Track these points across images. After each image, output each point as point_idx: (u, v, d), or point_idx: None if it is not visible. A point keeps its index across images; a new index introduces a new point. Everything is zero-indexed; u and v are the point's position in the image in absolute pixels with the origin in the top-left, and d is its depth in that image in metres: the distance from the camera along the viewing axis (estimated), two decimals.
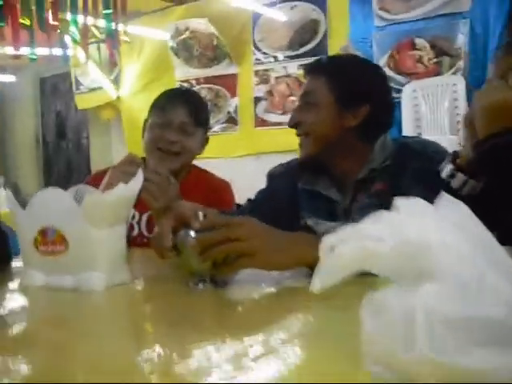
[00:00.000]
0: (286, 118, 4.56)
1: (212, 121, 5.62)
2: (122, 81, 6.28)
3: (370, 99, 1.55)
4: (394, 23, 4.69)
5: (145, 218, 2.13)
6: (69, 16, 4.65)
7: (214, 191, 2.17)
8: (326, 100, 1.55)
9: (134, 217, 2.16)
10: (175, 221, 1.18)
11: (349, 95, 1.54)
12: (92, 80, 6.44)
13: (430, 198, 1.18)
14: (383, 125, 1.61)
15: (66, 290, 1.07)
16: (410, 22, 4.63)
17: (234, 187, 4.90)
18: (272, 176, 1.78)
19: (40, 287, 1.09)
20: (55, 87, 7.67)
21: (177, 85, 5.88)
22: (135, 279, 1.13)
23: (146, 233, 2.15)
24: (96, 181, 2.19)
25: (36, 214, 1.09)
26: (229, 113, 5.58)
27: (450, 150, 3.98)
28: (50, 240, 1.08)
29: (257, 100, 5.38)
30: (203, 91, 5.72)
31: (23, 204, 1.12)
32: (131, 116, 6.11)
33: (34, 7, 4.12)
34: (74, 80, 6.77)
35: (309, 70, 1.65)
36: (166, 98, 2.10)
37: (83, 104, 6.74)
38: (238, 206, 2.47)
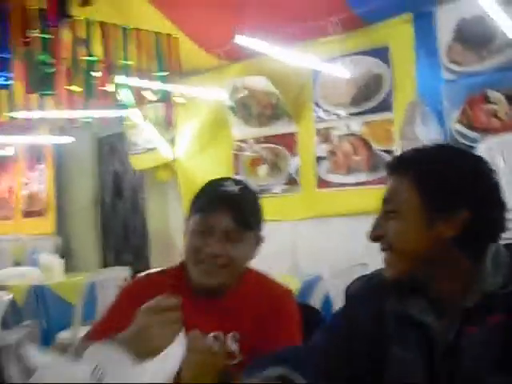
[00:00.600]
0: (350, 179, 4.39)
1: (272, 181, 5.36)
2: (178, 141, 6.09)
3: (471, 201, 1.23)
4: (465, 76, 4.35)
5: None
6: (122, 79, 4.53)
7: (276, 299, 1.86)
8: (411, 205, 1.25)
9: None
10: None
11: (442, 197, 1.23)
12: (148, 141, 6.28)
13: None
14: (491, 233, 1.26)
15: None
16: (482, 73, 4.28)
17: (297, 253, 4.65)
18: (352, 297, 1.45)
19: None
20: (113, 147, 7.58)
21: (235, 145, 5.65)
22: None
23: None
24: (142, 290, 1.93)
25: None
26: (289, 174, 5.30)
27: None
28: None
29: (319, 160, 5.09)
30: (262, 151, 5.48)
31: (28, 372, 0.84)
32: (188, 177, 5.90)
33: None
34: (129, 141, 6.62)
35: (391, 168, 1.34)
36: (205, 199, 1.81)
37: (139, 165, 6.59)
38: (306, 308, 2.16)
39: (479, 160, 1.31)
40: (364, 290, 1.41)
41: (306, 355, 1.30)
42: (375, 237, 1.30)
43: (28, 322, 4.43)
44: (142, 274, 2.10)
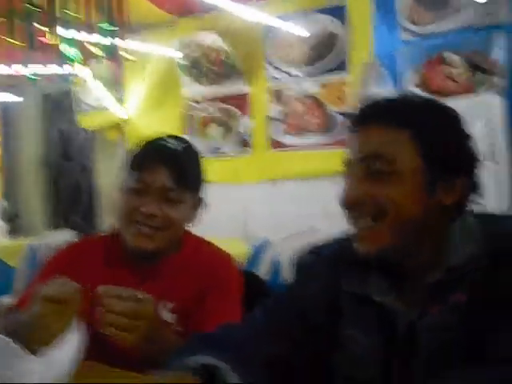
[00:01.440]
0: (303, 141, 4.27)
1: (223, 142, 5.21)
2: (127, 100, 5.88)
3: (467, 165, 1.09)
4: (422, 36, 4.24)
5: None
6: (67, 33, 4.29)
7: (216, 268, 1.75)
8: (412, 166, 1.06)
9: None
10: None
11: (445, 160, 1.06)
12: (96, 99, 6.05)
13: None
14: (473, 198, 1.12)
15: None
16: (440, 35, 4.18)
17: (249, 215, 4.55)
18: (301, 269, 1.28)
19: None
20: (59, 106, 7.31)
21: (186, 104, 5.47)
22: None
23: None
24: (71, 257, 1.81)
25: None
26: (241, 134, 5.14)
27: (486, 176, 3.34)
28: None
29: (271, 121, 4.94)
30: (214, 111, 5.31)
31: None
32: (138, 137, 5.69)
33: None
34: (75, 99, 6.38)
35: (371, 116, 1.12)
36: (143, 154, 1.67)
37: (87, 124, 6.36)
38: (250, 276, 2.04)
39: (458, 115, 1.15)
40: (316, 263, 1.25)
41: (243, 336, 1.17)
42: (354, 201, 1.09)
43: None
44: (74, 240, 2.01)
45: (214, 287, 1.71)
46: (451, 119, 1.12)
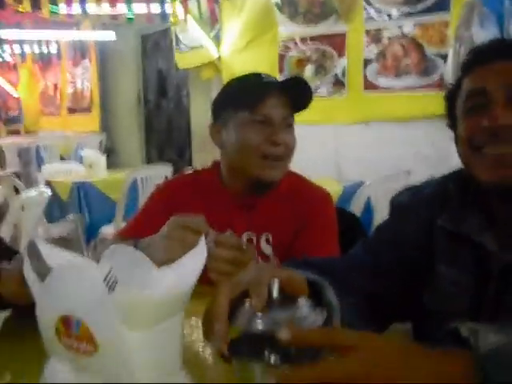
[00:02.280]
0: (399, 83, 4.19)
1: (318, 82, 5.20)
2: (223, 39, 5.93)
3: None
4: None
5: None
6: None
7: (314, 203, 1.81)
8: None
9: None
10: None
11: None
12: (192, 38, 6.13)
13: None
14: None
15: None
16: None
17: (342, 156, 4.55)
18: (398, 209, 1.31)
19: None
20: (157, 45, 7.45)
21: (280, 43, 5.46)
22: None
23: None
24: (175, 191, 1.89)
25: (56, 294, 0.76)
26: (336, 75, 5.11)
27: None
28: (75, 334, 0.75)
29: (367, 62, 4.88)
30: (309, 51, 5.28)
31: (44, 273, 0.80)
32: (233, 75, 5.73)
33: None
34: (174, 38, 6.48)
35: (498, 53, 1.16)
36: (255, 90, 1.72)
37: (184, 63, 6.46)
38: (345, 214, 2.09)
39: None
40: (412, 202, 1.28)
41: (342, 268, 1.23)
42: (502, 127, 1.10)
43: (72, 217, 4.49)
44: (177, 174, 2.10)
45: (313, 222, 1.77)
46: None
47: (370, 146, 4.78)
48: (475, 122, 1.12)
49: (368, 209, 3.38)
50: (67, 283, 0.75)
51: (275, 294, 0.83)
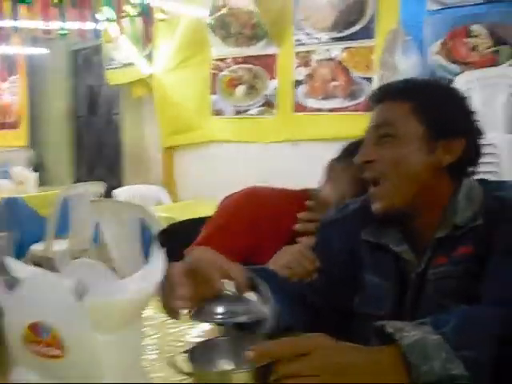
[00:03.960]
0: (327, 104, 4.36)
1: (249, 103, 5.33)
2: (155, 57, 5.99)
3: (466, 129, 1.29)
4: (449, 7, 4.31)
5: None
6: None
7: None
8: (413, 131, 1.27)
9: None
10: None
11: (442, 125, 1.27)
12: (124, 55, 6.17)
13: None
14: (475, 160, 1.32)
15: None
16: (467, 6, 4.25)
17: (269, 176, 4.66)
18: (326, 224, 1.48)
19: None
20: (88, 60, 7.44)
21: (212, 64, 5.57)
22: None
23: None
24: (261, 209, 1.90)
25: (25, 303, 0.84)
26: (266, 96, 5.26)
27: (506, 149, 3.56)
28: (44, 340, 0.83)
29: (297, 83, 5.05)
30: (240, 71, 5.42)
31: (11, 284, 0.87)
32: (163, 94, 5.85)
33: None
34: (105, 55, 6.50)
35: (382, 95, 1.34)
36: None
37: (115, 79, 6.49)
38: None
39: (461, 93, 1.36)
40: (338, 218, 1.45)
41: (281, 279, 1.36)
42: (365, 162, 1.30)
43: (1, 234, 4.44)
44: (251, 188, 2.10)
45: None
46: (451, 94, 1.35)
47: (297, 164, 4.93)
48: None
49: None
50: (38, 292, 0.82)
51: (233, 290, 0.94)
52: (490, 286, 1.14)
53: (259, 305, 0.95)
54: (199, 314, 0.92)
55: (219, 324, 0.91)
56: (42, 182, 6.29)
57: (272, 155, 5.19)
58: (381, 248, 1.33)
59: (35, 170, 5.96)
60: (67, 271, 0.87)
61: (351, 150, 1.86)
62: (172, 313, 1.01)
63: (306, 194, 2.00)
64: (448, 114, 1.29)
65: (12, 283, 0.86)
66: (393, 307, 1.28)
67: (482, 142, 1.33)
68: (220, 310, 0.90)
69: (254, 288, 1.14)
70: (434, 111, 1.28)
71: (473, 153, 1.31)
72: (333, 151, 4.60)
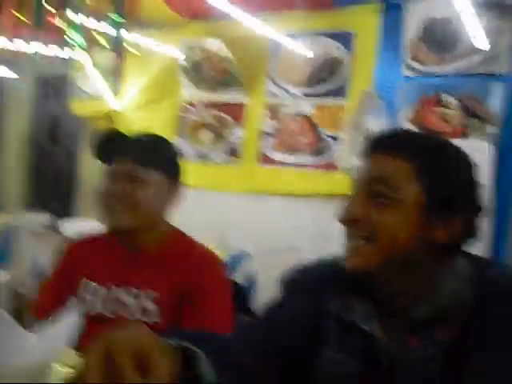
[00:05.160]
0: (293, 159, 4.30)
1: (213, 149, 5.23)
2: (124, 92, 5.87)
3: (467, 207, 1.12)
4: (424, 75, 4.31)
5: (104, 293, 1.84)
6: (74, 18, 4.30)
7: (205, 265, 1.83)
8: (416, 198, 1.09)
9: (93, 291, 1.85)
10: None
11: (446, 197, 1.10)
12: (92, 87, 6.03)
13: None
14: (469, 241, 1.15)
15: None
16: (441, 76, 4.25)
17: (230, 225, 4.54)
18: (289, 286, 1.30)
19: None
20: (55, 89, 7.28)
21: (181, 106, 5.47)
22: None
23: (105, 312, 1.82)
24: (79, 252, 1.96)
25: None
26: (233, 144, 5.16)
27: None
28: None
29: (264, 135, 4.97)
30: (208, 117, 5.32)
31: None
32: (128, 131, 5.69)
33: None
34: (72, 84, 6.36)
35: (382, 145, 1.16)
36: (104, 147, 1.89)
37: (80, 110, 6.33)
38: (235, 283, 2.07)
39: (471, 160, 1.18)
40: (303, 282, 1.28)
41: (225, 343, 1.18)
42: (351, 220, 1.13)
43: None
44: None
45: (202, 284, 1.75)
46: (461, 162, 1.16)
47: (259, 217, 4.81)
48: None
49: (250, 280, 3.38)
50: None
51: None
52: (474, 377, 0.99)
53: None
54: None
55: None
56: None
57: (231, 206, 5.06)
58: (348, 324, 1.16)
59: None
60: None
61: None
62: None
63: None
64: (454, 187, 1.11)
65: None
66: None
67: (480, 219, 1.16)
68: None
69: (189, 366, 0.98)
70: (439, 179, 1.10)
71: (469, 233, 1.15)
72: (295, 207, 4.57)
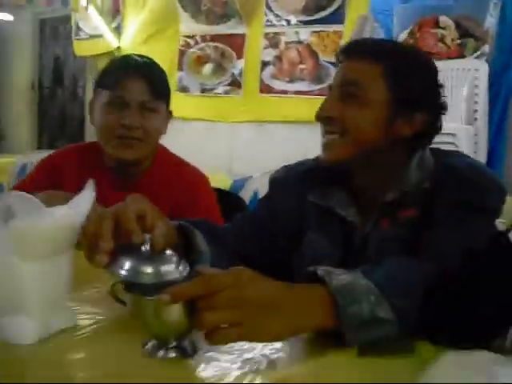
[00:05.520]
0: (293, 87, 4.36)
1: (215, 82, 5.31)
2: (124, 30, 5.92)
3: (428, 105, 1.26)
4: None
5: None
6: None
7: (192, 188, 1.83)
8: (382, 97, 1.24)
9: None
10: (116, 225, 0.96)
11: (409, 96, 1.24)
12: (92, 27, 6.08)
13: (466, 241, 0.91)
14: (429, 138, 1.31)
15: None
16: None
17: (233, 155, 4.64)
18: (275, 183, 1.47)
19: None
20: (55, 30, 7.31)
21: (181, 40, 5.53)
22: (77, 326, 0.87)
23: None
24: (59, 164, 1.89)
25: None
26: (233, 75, 5.24)
27: (466, 140, 3.60)
28: None
29: (264, 64, 5.04)
30: (208, 49, 5.39)
31: None
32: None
33: None
34: (73, 25, 6.40)
35: (354, 51, 1.30)
36: (117, 70, 1.76)
37: (82, 51, 6.40)
38: (229, 195, 2.19)
39: (432, 62, 1.34)
40: (288, 178, 1.44)
41: (222, 230, 1.35)
42: (326, 118, 1.27)
43: None
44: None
45: (193, 208, 1.79)
46: (424, 65, 1.32)
47: (262, 145, 4.93)
48: None
49: (255, 199, 3.51)
50: None
51: (147, 247, 0.92)
52: (428, 243, 1.15)
53: (172, 266, 0.92)
54: (111, 265, 0.89)
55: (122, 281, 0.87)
56: (4, 150, 6.20)
57: (236, 135, 5.18)
58: (328, 210, 1.32)
59: None
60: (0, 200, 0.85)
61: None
62: (94, 263, 0.97)
63: (94, 146, 1.90)
64: (417, 86, 1.25)
65: None
66: (337, 265, 1.28)
67: (443, 117, 1.32)
68: (126, 266, 0.87)
69: (187, 240, 1.14)
70: (404, 80, 1.24)
71: (432, 129, 1.30)
72: (297, 133, 4.67)
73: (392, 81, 1.24)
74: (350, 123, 1.24)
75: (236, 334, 0.79)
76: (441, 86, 1.31)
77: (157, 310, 0.78)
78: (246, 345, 0.85)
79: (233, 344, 0.82)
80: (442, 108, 1.31)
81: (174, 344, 0.81)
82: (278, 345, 0.87)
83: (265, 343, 0.86)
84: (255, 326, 0.80)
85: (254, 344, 0.85)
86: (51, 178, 1.80)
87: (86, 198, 0.85)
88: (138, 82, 1.71)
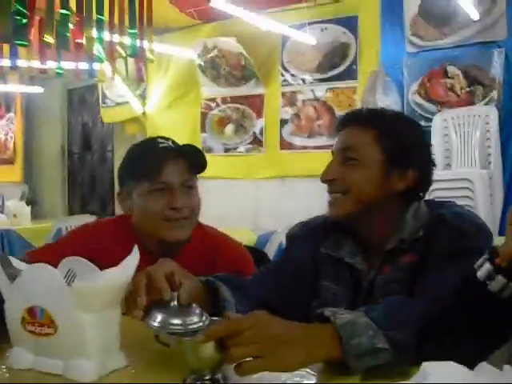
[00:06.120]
0: (312, 142, 4.60)
1: (237, 141, 5.56)
2: (148, 97, 6.23)
3: (419, 162, 1.46)
4: (426, 50, 4.57)
5: None
6: (95, 34, 4.60)
7: (234, 257, 1.86)
8: (376, 158, 1.43)
9: None
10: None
11: (400, 155, 1.43)
12: (118, 94, 6.40)
13: (455, 282, 1.08)
14: (422, 191, 1.50)
15: (55, 375, 0.99)
16: (443, 49, 4.50)
17: (257, 210, 4.79)
18: (291, 238, 1.67)
19: (27, 369, 1.02)
20: (83, 99, 7.66)
21: (203, 103, 5.81)
22: (129, 366, 1.05)
23: None
24: (89, 237, 1.87)
25: (24, 290, 1.02)
26: (254, 134, 5.49)
27: (481, 184, 3.79)
28: (39, 321, 1.00)
29: (283, 122, 5.29)
30: (229, 111, 5.65)
31: (13, 276, 1.04)
32: (156, 132, 6.04)
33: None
34: (100, 94, 6.73)
35: (349, 121, 1.51)
36: (151, 158, 1.75)
37: (109, 118, 6.71)
38: (253, 251, 2.36)
39: (419, 126, 1.57)
40: (302, 233, 1.63)
41: (244, 282, 1.53)
42: (329, 180, 1.46)
43: None
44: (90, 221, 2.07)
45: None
46: (411, 127, 1.52)
47: (285, 199, 5.12)
48: None
49: (279, 252, 3.65)
50: (35, 281, 0.99)
51: (175, 302, 1.11)
52: (423, 284, 1.32)
53: (197, 318, 1.10)
54: (146, 318, 1.08)
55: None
56: (36, 216, 6.42)
57: (260, 191, 5.39)
58: (338, 260, 1.51)
59: (29, 204, 6.09)
60: (61, 265, 1.04)
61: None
62: (132, 316, 1.15)
63: (122, 219, 1.94)
64: (406, 147, 1.43)
65: (12, 275, 1.03)
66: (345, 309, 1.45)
67: (433, 173, 1.50)
68: (158, 319, 1.07)
69: (214, 295, 1.34)
70: (394, 142, 1.43)
71: (423, 182, 1.48)
72: (318, 187, 4.84)
73: (384, 143, 1.43)
74: (351, 183, 1.43)
75: (259, 365, 0.97)
76: (428, 144, 1.51)
77: (194, 348, 0.96)
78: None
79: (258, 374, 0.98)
80: (431, 164, 1.49)
81: (209, 376, 0.98)
82: (299, 373, 1.03)
83: (285, 372, 1.03)
84: (275, 358, 0.97)
85: (277, 374, 1.02)
86: (83, 250, 1.65)
87: (131, 262, 1.04)
88: (177, 164, 1.73)
